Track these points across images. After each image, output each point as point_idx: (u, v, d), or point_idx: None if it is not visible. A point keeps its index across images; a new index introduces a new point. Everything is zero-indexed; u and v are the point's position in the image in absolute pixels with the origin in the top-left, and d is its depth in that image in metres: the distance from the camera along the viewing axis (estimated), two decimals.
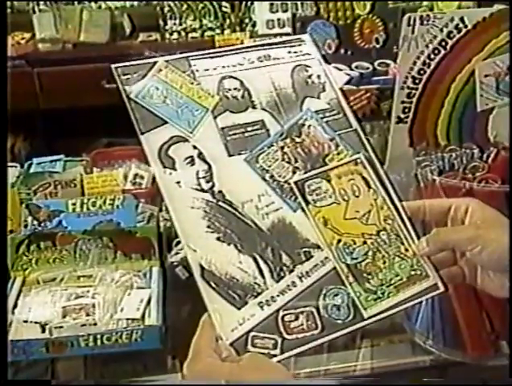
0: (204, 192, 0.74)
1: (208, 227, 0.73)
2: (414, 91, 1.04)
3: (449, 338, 0.98)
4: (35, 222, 1.17)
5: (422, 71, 1.02)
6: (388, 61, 1.57)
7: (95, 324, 1.01)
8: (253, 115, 0.79)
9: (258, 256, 0.72)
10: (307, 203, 0.74)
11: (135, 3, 3.02)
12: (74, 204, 1.19)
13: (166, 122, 0.76)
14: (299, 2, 2.37)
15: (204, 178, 0.75)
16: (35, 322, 1.01)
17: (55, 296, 1.07)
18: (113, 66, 0.77)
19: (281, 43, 0.84)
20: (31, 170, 1.38)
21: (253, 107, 0.79)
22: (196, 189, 0.74)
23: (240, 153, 0.76)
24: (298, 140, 0.77)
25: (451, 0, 1.97)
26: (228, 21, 2.92)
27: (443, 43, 1.01)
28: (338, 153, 0.77)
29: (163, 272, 1.14)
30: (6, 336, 0.94)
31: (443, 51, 1.01)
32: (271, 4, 2.42)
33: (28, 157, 1.46)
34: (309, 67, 0.83)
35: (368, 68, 1.56)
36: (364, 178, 0.75)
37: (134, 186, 1.37)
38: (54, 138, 2.43)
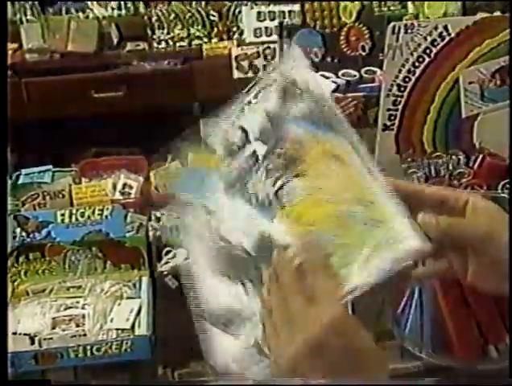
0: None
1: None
2: (399, 98, 1.05)
3: (438, 343, 0.99)
4: (24, 233, 1.17)
5: (407, 79, 1.03)
6: (374, 68, 1.58)
7: (85, 335, 1.01)
8: (248, 149, 0.77)
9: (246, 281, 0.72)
10: (283, 207, 0.71)
11: (123, 13, 3.02)
12: (63, 215, 1.19)
13: None
14: (286, 10, 2.39)
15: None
16: (24, 334, 1.00)
17: (45, 307, 1.07)
18: None
19: (271, 71, 0.80)
20: (20, 181, 1.37)
21: (249, 142, 0.78)
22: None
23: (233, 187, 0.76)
24: (281, 151, 0.75)
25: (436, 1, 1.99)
26: (215, 29, 2.92)
27: (428, 51, 1.02)
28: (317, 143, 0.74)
29: (152, 281, 1.14)
30: (6, 337, 0.93)
31: (427, 59, 1.02)
32: (259, 12, 2.44)
33: (16, 168, 1.45)
34: (297, 81, 0.78)
35: (355, 76, 1.56)
36: (338, 157, 0.72)
37: (122, 196, 1.36)
38: (42, 149, 2.42)
